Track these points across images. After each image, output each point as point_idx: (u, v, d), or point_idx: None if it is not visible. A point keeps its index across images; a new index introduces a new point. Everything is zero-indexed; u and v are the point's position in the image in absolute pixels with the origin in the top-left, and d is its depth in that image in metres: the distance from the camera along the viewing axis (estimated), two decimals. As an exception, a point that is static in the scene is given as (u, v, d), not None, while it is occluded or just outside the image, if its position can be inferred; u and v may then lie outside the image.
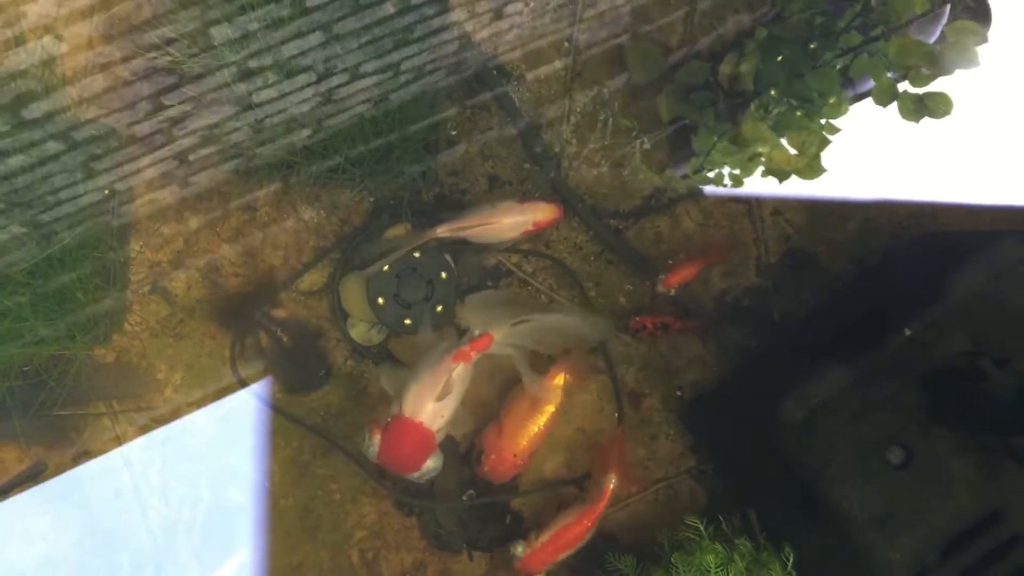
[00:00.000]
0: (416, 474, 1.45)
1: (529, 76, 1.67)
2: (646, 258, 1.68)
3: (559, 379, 1.60)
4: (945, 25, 1.50)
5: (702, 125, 1.52)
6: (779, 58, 1.39)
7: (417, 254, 1.57)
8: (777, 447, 1.30)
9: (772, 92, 1.42)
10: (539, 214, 1.58)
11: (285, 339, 1.58)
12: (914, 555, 1.23)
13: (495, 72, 1.65)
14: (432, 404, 1.40)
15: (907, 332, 1.28)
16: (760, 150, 1.48)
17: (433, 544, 1.64)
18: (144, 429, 1.59)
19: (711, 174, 1.54)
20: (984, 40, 1.34)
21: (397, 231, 1.63)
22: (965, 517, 1.24)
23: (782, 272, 1.70)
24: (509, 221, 1.57)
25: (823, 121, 1.45)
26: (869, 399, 1.27)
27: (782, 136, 1.48)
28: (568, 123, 1.67)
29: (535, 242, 1.68)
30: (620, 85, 1.67)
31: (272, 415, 1.61)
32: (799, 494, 1.33)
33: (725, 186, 1.55)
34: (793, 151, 1.49)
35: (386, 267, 1.56)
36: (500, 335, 1.47)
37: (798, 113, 1.42)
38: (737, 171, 1.53)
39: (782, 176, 1.51)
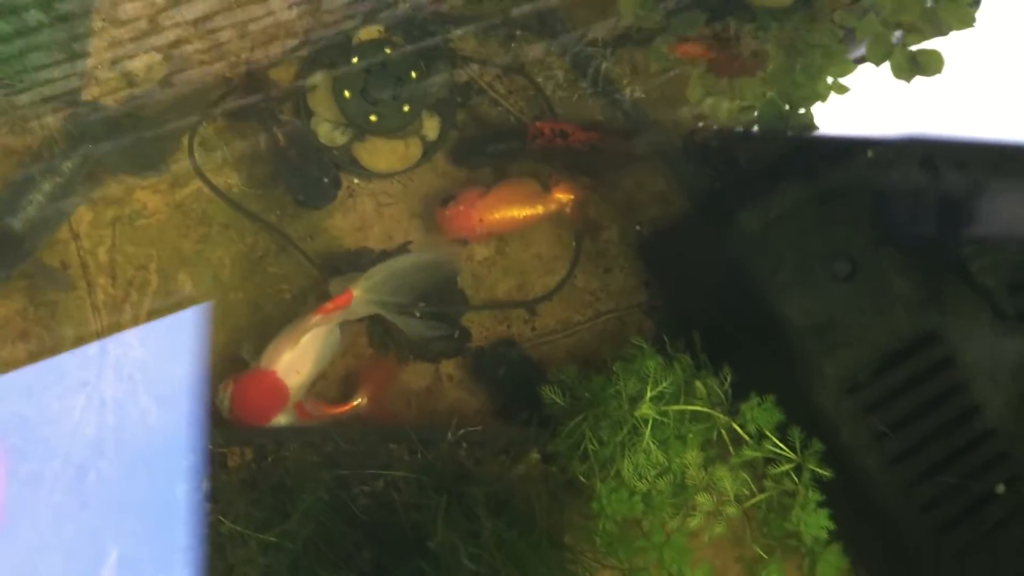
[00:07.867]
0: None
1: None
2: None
3: (564, 196, 1.60)
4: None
5: (694, 76, 1.52)
6: None
7: (388, 50, 1.54)
8: (728, 257, 1.32)
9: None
10: None
11: (283, 141, 1.52)
12: (848, 369, 1.26)
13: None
14: (288, 355, 1.44)
15: (869, 153, 1.29)
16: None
17: (380, 353, 1.65)
18: (95, 207, 1.57)
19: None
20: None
21: (369, 33, 1.60)
22: (902, 335, 1.27)
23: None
24: None
25: (829, 80, 1.42)
26: (825, 215, 1.29)
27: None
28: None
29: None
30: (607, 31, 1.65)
31: (227, 207, 1.60)
32: (743, 313, 1.36)
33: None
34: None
35: (355, 59, 1.53)
36: (359, 290, 1.48)
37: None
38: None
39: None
